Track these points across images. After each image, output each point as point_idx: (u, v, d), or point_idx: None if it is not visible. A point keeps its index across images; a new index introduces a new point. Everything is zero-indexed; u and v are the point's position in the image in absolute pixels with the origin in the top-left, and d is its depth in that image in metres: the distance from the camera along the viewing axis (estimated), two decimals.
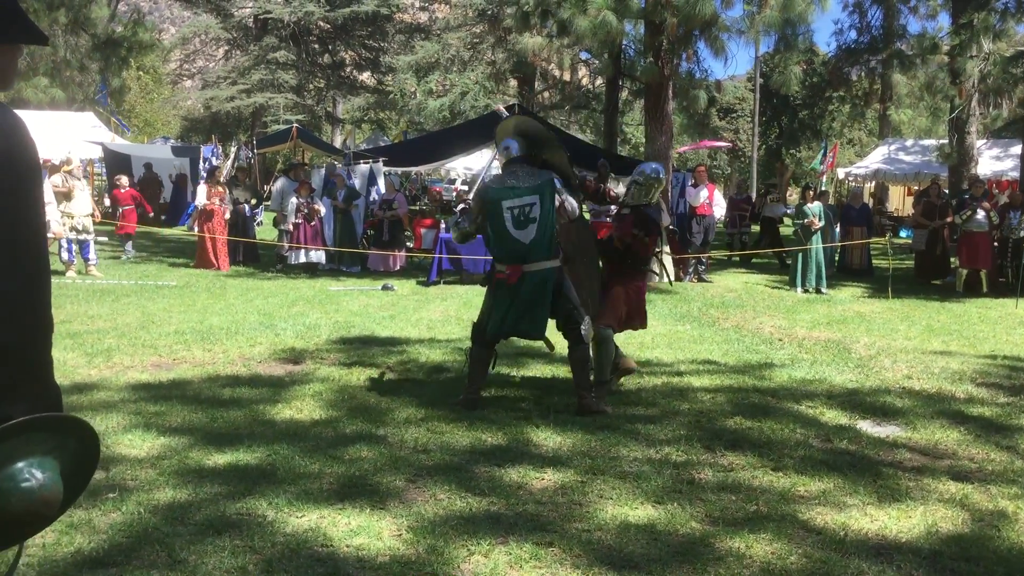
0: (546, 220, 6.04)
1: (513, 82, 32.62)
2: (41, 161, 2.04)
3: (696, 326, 10.13)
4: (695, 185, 15.46)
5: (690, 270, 15.10)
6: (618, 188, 17.26)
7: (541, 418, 5.95)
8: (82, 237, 13.56)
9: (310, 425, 5.72)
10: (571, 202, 6.26)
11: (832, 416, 6.27)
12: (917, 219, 16.45)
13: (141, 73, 50.27)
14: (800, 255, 14.02)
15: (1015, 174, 21.50)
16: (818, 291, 13.77)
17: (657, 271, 7.42)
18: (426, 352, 8.09)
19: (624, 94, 25.38)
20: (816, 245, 13.91)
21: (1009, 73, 18.22)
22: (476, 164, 31.12)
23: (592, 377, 6.37)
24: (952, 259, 15.49)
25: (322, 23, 36.09)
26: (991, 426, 6.09)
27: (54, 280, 12.13)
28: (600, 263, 6.84)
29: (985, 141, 26.93)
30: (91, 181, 23.86)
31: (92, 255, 13.70)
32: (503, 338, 6.34)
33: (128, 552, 3.75)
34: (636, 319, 6.77)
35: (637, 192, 6.71)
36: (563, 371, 7.44)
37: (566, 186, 6.35)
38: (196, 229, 16.15)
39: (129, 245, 16.57)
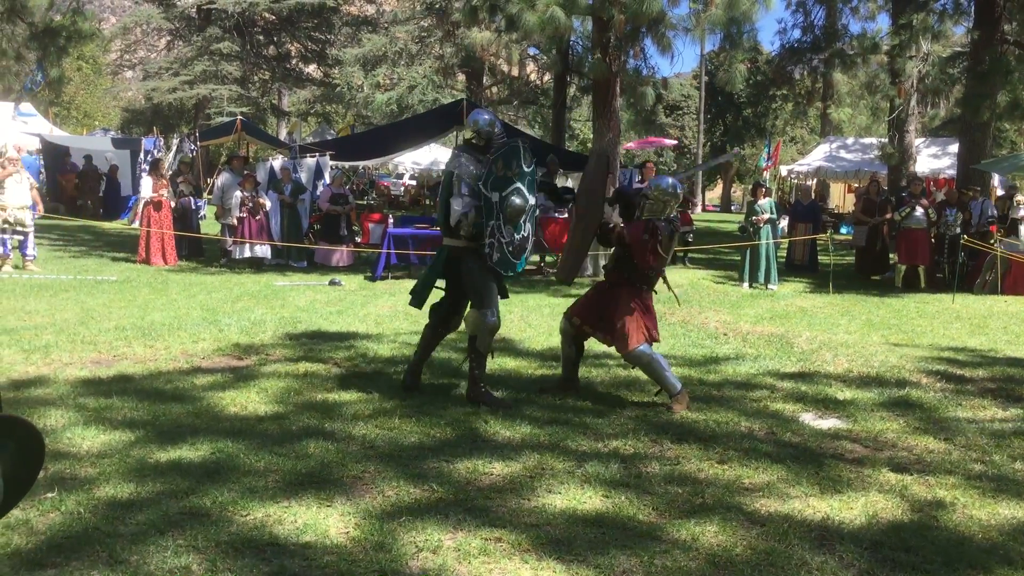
0: (443, 201, 6.29)
1: (461, 77, 32.52)
2: None
3: None
4: (642, 181, 15.56)
5: None
6: (568, 183, 17.34)
7: (489, 413, 5.95)
8: (17, 230, 13.14)
9: (255, 421, 5.64)
10: (455, 207, 6.09)
11: (776, 409, 6.37)
12: (857, 216, 16.78)
13: (81, 63, 49.09)
14: (748, 251, 14.19)
15: (952, 172, 22.03)
16: (766, 287, 13.94)
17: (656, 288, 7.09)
18: (374, 347, 8.03)
19: (572, 90, 25.48)
20: (766, 241, 14.09)
21: (946, 73, 18.66)
22: (424, 159, 30.99)
23: (662, 392, 6.38)
24: (891, 255, 15.83)
25: (267, 14, 35.54)
26: (929, 418, 6.24)
27: None
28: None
29: (923, 140, 27.55)
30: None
31: (31, 250, 13.31)
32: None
33: (68, 553, 3.66)
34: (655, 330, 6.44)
35: (651, 208, 6.39)
36: (511, 364, 7.46)
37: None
38: (139, 223, 15.79)
39: None
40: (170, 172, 16.18)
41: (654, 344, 6.44)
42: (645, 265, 6.34)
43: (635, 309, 6.31)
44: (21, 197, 13.29)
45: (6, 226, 13.02)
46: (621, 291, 6.39)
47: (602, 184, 6.73)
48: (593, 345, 8.45)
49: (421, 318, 9.77)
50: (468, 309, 6.39)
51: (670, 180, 6.56)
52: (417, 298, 6.47)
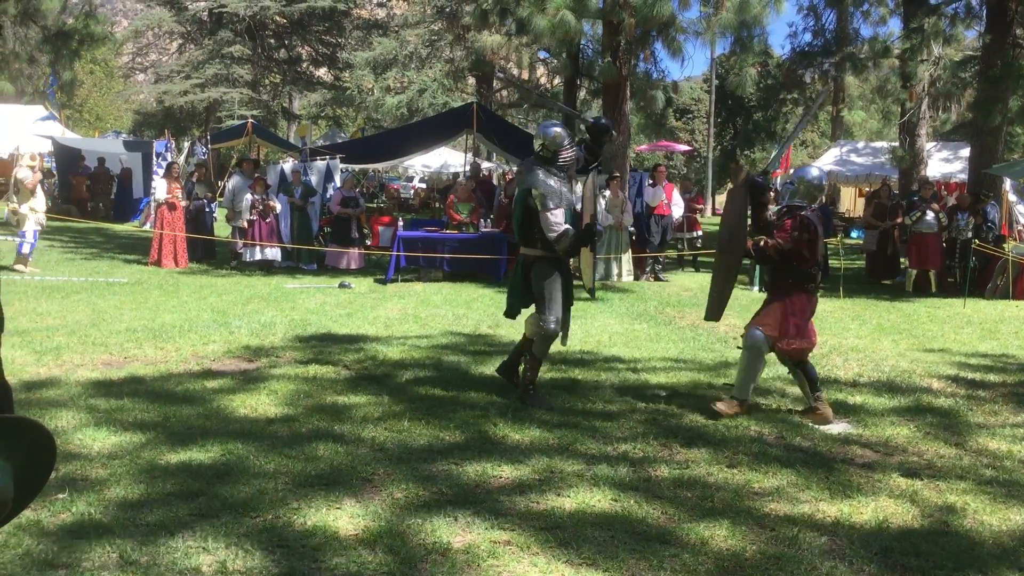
0: (517, 213, 6.41)
1: (471, 80, 32.59)
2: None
3: (652, 325, 10.19)
4: (653, 184, 15.54)
5: (647, 269, 15.19)
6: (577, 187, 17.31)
7: (499, 415, 5.95)
8: (36, 231, 13.31)
9: (265, 424, 5.66)
10: (549, 219, 6.12)
11: (786, 413, 6.35)
12: (868, 220, 16.72)
13: (93, 66, 49.37)
14: None
15: (963, 176, 21.95)
16: None
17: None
18: (384, 350, 8.04)
19: (582, 93, 25.49)
20: None
21: (958, 77, 18.58)
22: (434, 162, 31.03)
23: (736, 383, 6.26)
24: (902, 260, 15.77)
25: (278, 17, 35.75)
26: (940, 423, 6.22)
27: (3, 276, 11.87)
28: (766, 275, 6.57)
29: (935, 144, 27.45)
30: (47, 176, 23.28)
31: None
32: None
33: (78, 553, 3.68)
34: (799, 338, 6.10)
35: (792, 195, 6.20)
36: (523, 367, 7.44)
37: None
38: (152, 225, 15.86)
39: None
40: (185, 174, 16.24)
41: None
42: (806, 263, 6.04)
43: (782, 304, 6.07)
44: (43, 201, 13.54)
45: (37, 228, 13.23)
46: (778, 294, 6.17)
47: (745, 216, 6.31)
48: (600, 348, 8.45)
49: (430, 321, 9.82)
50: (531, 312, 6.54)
51: (814, 172, 6.31)
52: (510, 309, 6.69)
